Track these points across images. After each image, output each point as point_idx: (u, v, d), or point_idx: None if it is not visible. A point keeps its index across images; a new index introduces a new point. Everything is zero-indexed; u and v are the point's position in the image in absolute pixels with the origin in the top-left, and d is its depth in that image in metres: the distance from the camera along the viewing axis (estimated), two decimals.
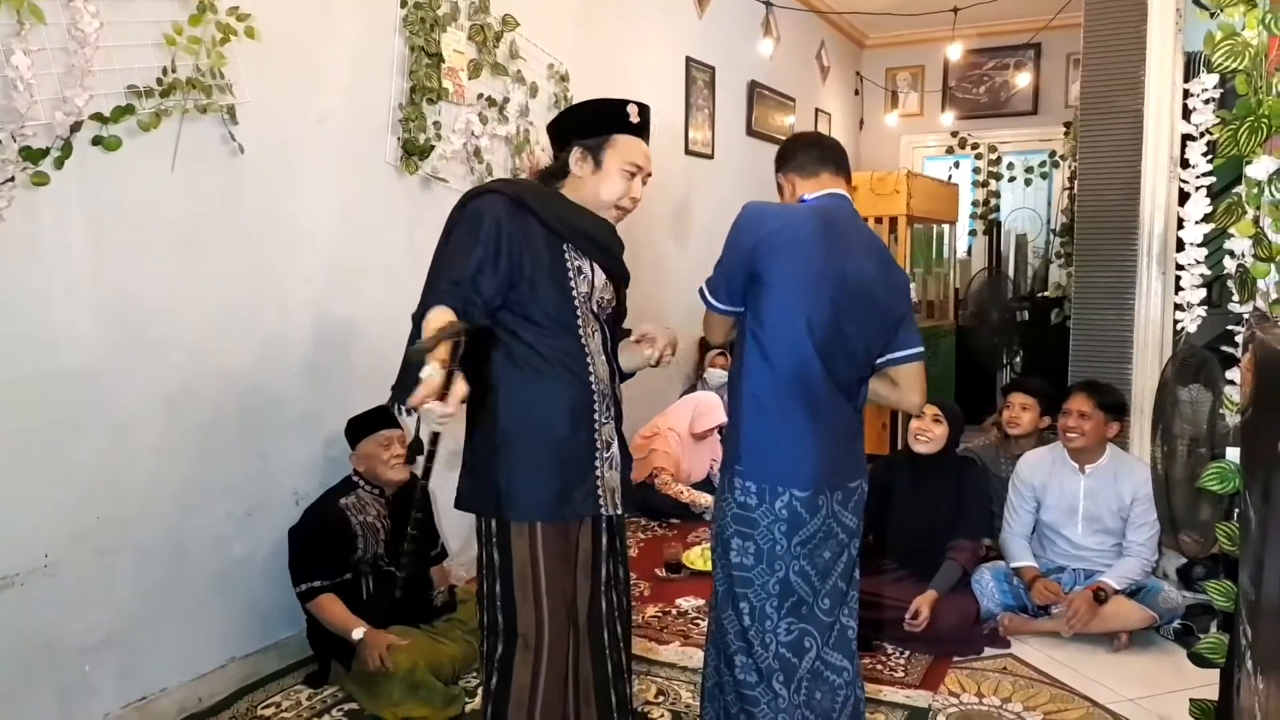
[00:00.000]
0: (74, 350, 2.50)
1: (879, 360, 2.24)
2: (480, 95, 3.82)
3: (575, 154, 2.10)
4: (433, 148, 3.55)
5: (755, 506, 2.12)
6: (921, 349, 2.26)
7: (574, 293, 2.07)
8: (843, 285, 2.10)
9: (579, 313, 2.08)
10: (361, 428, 3.05)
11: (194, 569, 2.85)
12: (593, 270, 2.12)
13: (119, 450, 2.62)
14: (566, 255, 2.07)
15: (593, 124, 2.12)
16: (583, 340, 2.08)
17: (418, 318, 1.89)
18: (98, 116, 2.46)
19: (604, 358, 2.14)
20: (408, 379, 1.72)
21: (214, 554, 2.91)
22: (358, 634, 2.84)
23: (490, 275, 1.95)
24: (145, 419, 2.68)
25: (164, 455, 2.74)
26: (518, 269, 1.99)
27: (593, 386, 2.09)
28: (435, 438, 1.82)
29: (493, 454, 2.03)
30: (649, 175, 2.17)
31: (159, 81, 2.60)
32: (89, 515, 2.56)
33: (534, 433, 2.03)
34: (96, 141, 2.48)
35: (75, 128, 2.40)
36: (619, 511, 2.16)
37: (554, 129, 2.21)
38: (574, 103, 2.19)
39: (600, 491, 2.09)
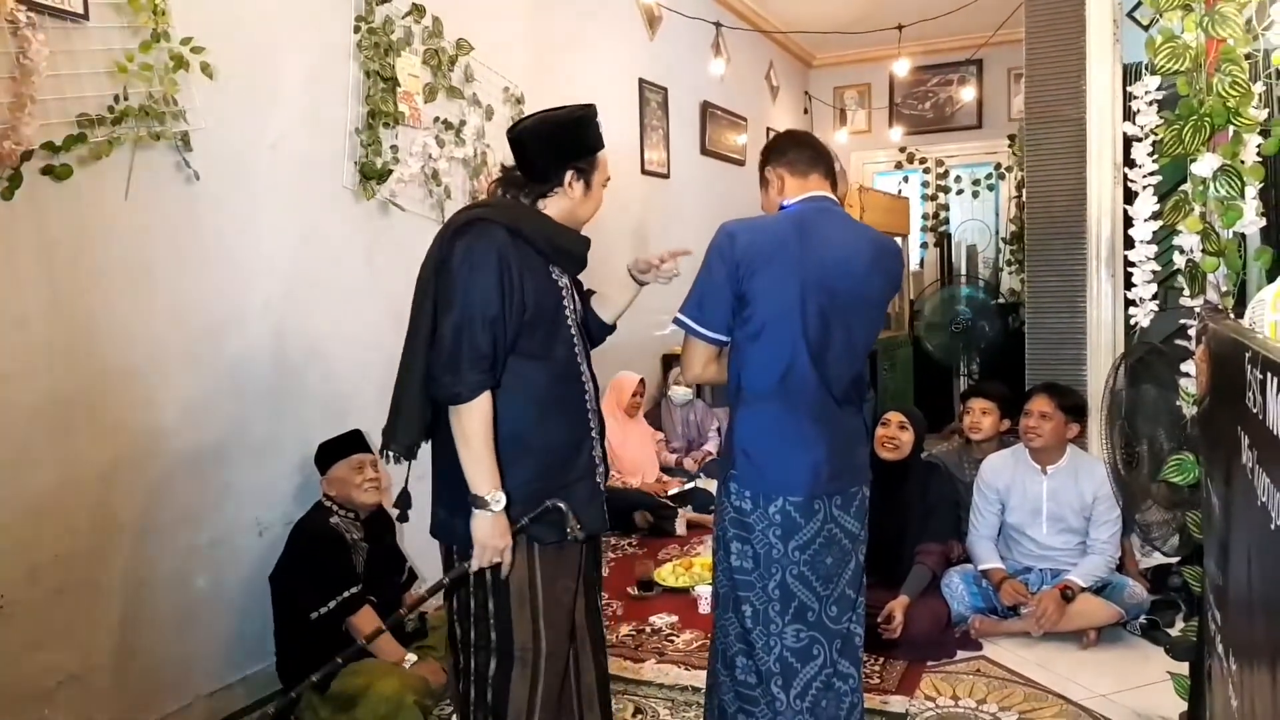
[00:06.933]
0: (26, 382, 2.45)
1: None
2: (437, 119, 3.82)
3: (569, 176, 2.05)
4: (390, 171, 3.54)
5: (750, 511, 2.12)
6: None
7: (567, 314, 2.07)
8: (827, 287, 2.08)
9: (574, 332, 2.08)
10: (333, 452, 3.01)
11: (156, 604, 2.78)
12: (570, 284, 2.12)
13: (73, 484, 2.56)
14: (554, 276, 2.06)
15: (583, 144, 2.07)
16: (579, 362, 2.09)
17: (454, 389, 1.88)
18: (48, 145, 2.43)
19: (591, 371, 2.15)
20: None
21: (176, 588, 2.84)
22: (410, 660, 2.87)
23: (504, 324, 1.92)
24: (100, 450, 2.63)
25: (120, 487, 2.68)
26: (525, 304, 1.95)
27: (588, 405, 2.10)
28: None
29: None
30: None
31: (110, 110, 2.58)
32: (45, 552, 2.49)
33: (537, 458, 2.01)
34: (47, 171, 2.44)
35: (25, 157, 2.36)
36: (606, 525, 2.20)
37: (542, 145, 2.05)
38: (551, 111, 2.10)
39: (604, 509, 2.13)
